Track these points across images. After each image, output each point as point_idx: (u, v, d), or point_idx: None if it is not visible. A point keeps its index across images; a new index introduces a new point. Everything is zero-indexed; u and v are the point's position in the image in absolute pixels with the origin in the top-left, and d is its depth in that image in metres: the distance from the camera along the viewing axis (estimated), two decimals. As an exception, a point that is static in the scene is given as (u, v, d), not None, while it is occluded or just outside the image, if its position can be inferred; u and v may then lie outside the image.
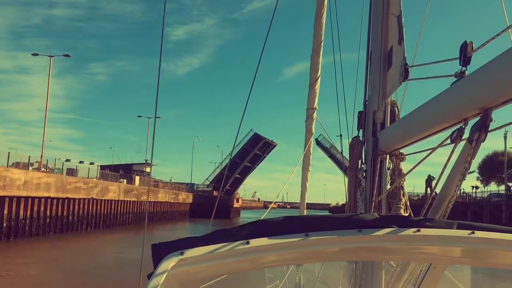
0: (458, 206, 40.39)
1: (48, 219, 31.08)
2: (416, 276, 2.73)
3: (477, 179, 55.44)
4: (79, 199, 35.74)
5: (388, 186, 3.32)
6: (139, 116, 69.58)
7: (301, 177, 5.74)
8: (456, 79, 2.23)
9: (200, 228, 44.48)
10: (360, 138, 3.59)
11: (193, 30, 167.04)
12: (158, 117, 70.62)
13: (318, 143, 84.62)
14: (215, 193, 73.26)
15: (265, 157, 76.59)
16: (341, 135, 4.66)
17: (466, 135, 2.13)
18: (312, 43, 5.38)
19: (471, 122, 2.09)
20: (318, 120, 5.59)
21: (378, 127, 3.41)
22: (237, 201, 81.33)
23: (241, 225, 1.90)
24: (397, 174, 3.24)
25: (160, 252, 1.75)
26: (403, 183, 3.21)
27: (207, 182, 78.07)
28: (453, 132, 2.20)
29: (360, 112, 3.70)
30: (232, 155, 72.50)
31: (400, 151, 3.24)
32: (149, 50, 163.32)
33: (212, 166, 78.22)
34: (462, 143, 2.17)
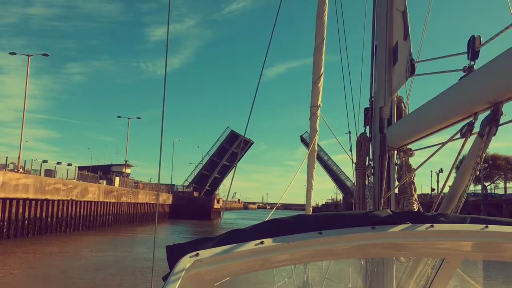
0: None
1: (26, 221, 30.27)
2: (429, 272, 2.73)
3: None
4: (58, 200, 34.93)
5: (397, 182, 3.33)
6: (118, 117, 68.90)
7: (306, 176, 5.71)
8: (464, 73, 2.24)
9: (180, 229, 44.06)
10: (367, 134, 3.59)
11: (173, 30, 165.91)
12: (139, 118, 70.24)
13: (302, 139, 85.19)
14: (195, 194, 72.63)
15: (243, 155, 76.50)
16: (349, 132, 4.65)
17: (476, 129, 2.13)
18: (314, 41, 5.35)
19: (481, 116, 2.09)
20: (322, 118, 5.56)
21: (385, 123, 3.41)
22: (218, 202, 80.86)
23: (254, 225, 1.88)
24: (406, 170, 3.25)
25: (175, 253, 1.73)
26: (413, 179, 3.22)
27: (187, 183, 77.44)
28: (463, 127, 2.21)
29: (366, 109, 3.69)
30: (210, 154, 72.09)
31: (408, 146, 3.25)
32: (127, 50, 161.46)
33: (192, 167, 77.65)
34: (472, 137, 2.18)
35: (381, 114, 3.42)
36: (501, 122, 2.02)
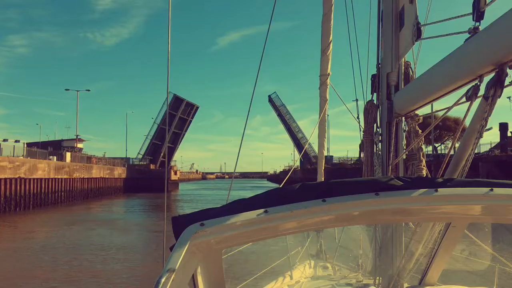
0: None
1: (-28, 202, 28.47)
2: (436, 236, 2.78)
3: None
4: (5, 179, 33.09)
5: (405, 149, 3.33)
6: (66, 89, 66.42)
7: (317, 145, 5.65)
8: (469, 35, 2.21)
9: (135, 204, 43.21)
10: (375, 101, 3.54)
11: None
12: (88, 90, 67.71)
13: (270, 100, 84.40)
14: (152, 166, 71.15)
15: (191, 121, 75.18)
16: (357, 100, 4.60)
17: (481, 92, 2.11)
18: (322, 8, 5.20)
19: (486, 79, 2.07)
20: (332, 86, 5.48)
21: (393, 89, 3.37)
22: (175, 173, 79.83)
23: (258, 194, 1.86)
24: (414, 136, 3.25)
25: (181, 224, 1.73)
26: (421, 144, 3.22)
27: (140, 156, 75.60)
28: (468, 90, 2.19)
29: (373, 75, 3.63)
30: (158, 122, 70.33)
31: (416, 112, 3.24)
32: (73, 20, 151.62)
33: (147, 139, 75.49)
34: (478, 100, 2.17)
35: (388, 81, 3.37)
36: (506, 83, 2.00)
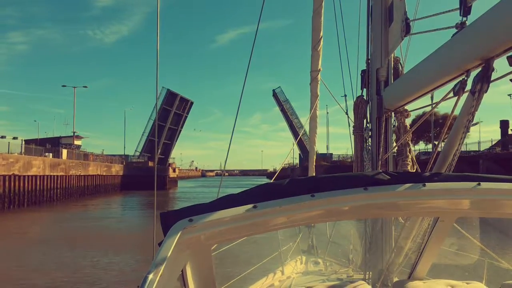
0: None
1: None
2: (425, 230, 2.79)
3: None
4: (-1, 175, 32.91)
5: (394, 144, 3.34)
6: (63, 86, 65.80)
7: (308, 140, 5.65)
8: (456, 30, 2.21)
9: (132, 203, 43.05)
10: (364, 97, 3.54)
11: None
12: (85, 87, 67.46)
13: (274, 94, 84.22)
14: (150, 163, 70.86)
15: (186, 116, 74.79)
16: (345, 95, 4.61)
17: (468, 87, 2.12)
18: (312, 5, 5.20)
19: (473, 74, 2.08)
20: (323, 82, 5.48)
21: (382, 85, 3.38)
22: (174, 170, 79.56)
23: (247, 190, 1.86)
24: (403, 131, 3.26)
25: (169, 220, 1.73)
26: (409, 140, 3.23)
27: (137, 153, 75.22)
28: (455, 85, 2.20)
29: (363, 71, 3.63)
30: (153, 118, 69.84)
31: (405, 107, 3.25)
32: (72, 17, 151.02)
33: (144, 136, 74.85)
34: (465, 95, 2.17)
35: (378, 76, 3.38)
36: (492, 78, 2.01)
